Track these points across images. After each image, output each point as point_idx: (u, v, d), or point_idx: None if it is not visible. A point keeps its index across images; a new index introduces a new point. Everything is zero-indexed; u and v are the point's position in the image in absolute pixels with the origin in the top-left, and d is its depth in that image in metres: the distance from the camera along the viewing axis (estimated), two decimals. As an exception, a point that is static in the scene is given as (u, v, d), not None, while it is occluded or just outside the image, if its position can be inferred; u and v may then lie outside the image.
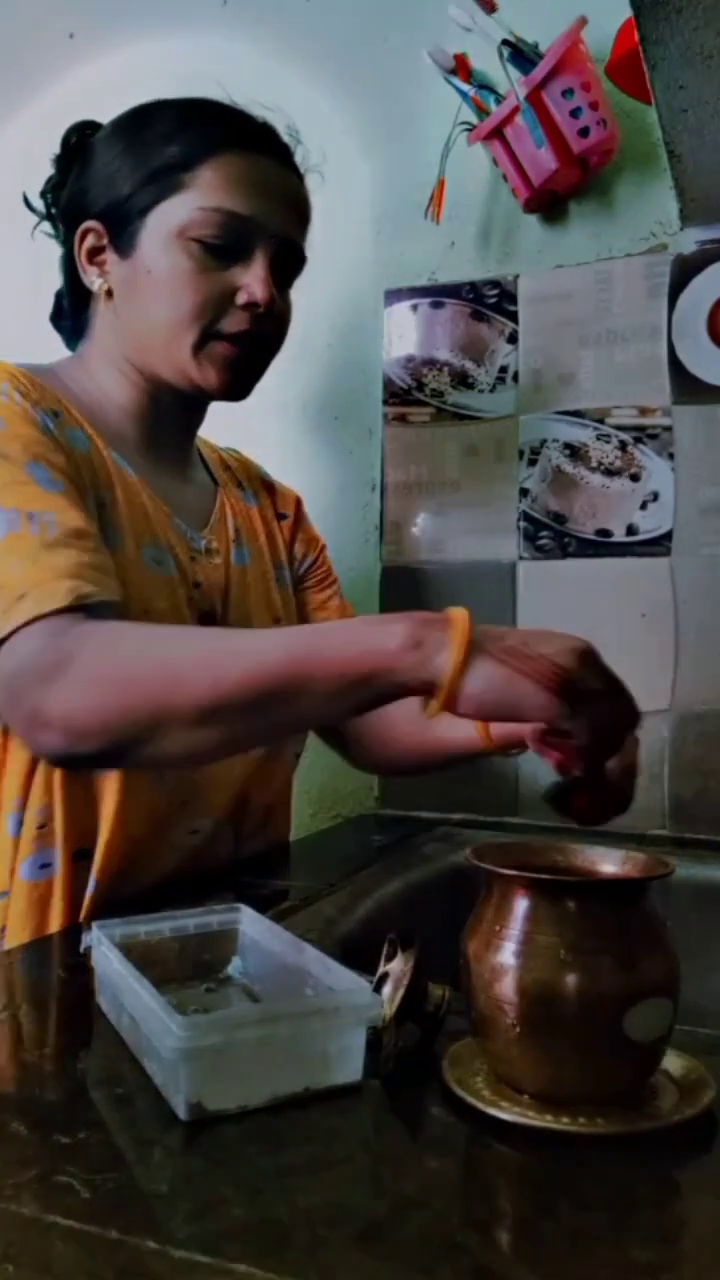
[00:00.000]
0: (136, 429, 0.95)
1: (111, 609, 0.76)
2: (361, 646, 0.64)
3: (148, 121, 0.91)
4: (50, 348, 1.01)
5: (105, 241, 0.92)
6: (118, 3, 1.53)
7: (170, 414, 0.96)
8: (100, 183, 0.92)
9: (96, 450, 0.88)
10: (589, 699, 0.61)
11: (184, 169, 0.88)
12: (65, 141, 0.98)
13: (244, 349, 0.91)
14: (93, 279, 0.93)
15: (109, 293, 0.93)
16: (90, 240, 0.92)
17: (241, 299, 0.89)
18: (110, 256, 0.92)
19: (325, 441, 1.41)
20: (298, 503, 1.16)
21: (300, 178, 0.95)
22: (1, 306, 1.53)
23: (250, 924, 0.68)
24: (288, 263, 0.93)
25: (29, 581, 0.72)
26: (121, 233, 0.90)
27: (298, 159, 0.95)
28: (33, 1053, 0.57)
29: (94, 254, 0.93)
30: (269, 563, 1.06)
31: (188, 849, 0.91)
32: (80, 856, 0.85)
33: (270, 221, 0.89)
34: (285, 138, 0.94)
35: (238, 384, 0.93)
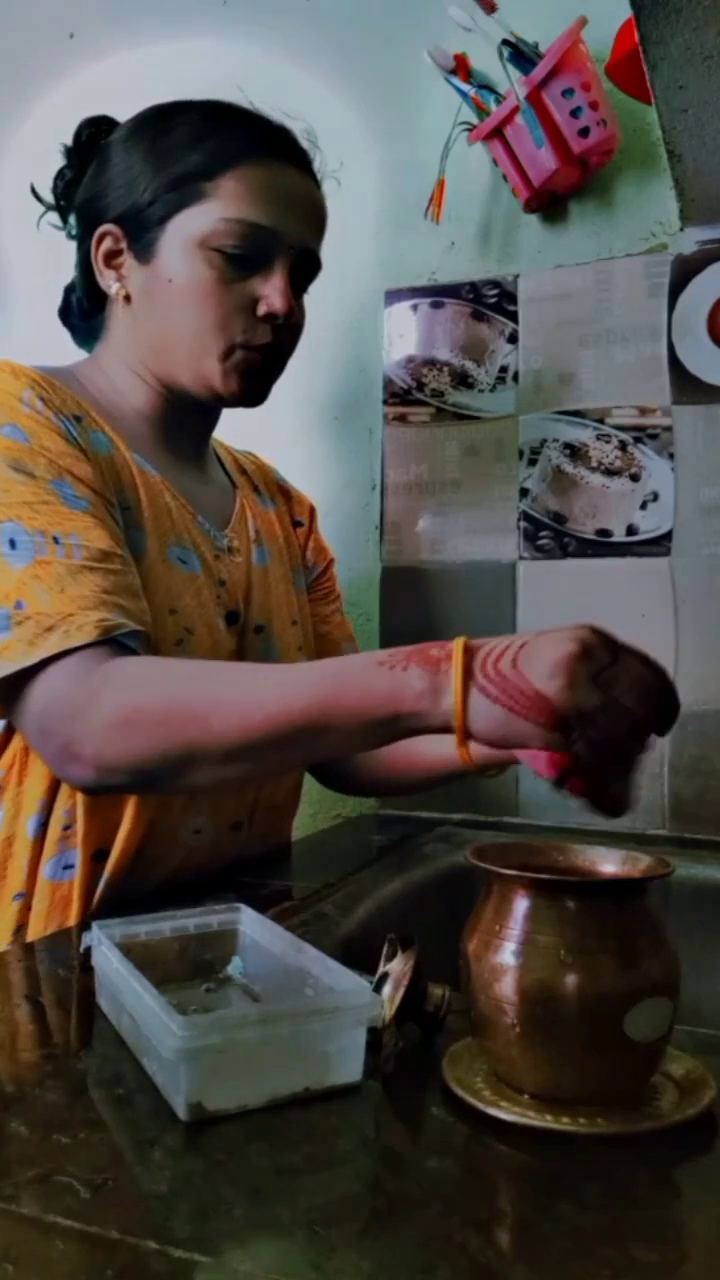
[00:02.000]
0: (154, 431, 0.95)
1: (139, 638, 0.77)
2: (383, 692, 0.65)
3: (168, 126, 0.91)
4: (61, 339, 1.01)
5: (123, 246, 0.92)
6: (118, 2, 1.53)
7: (186, 417, 0.97)
8: (119, 187, 0.92)
9: (119, 452, 0.88)
10: (586, 720, 0.59)
11: (206, 178, 0.88)
12: (78, 136, 0.97)
13: (265, 357, 0.92)
14: (110, 283, 0.93)
15: (127, 297, 0.93)
16: (108, 244, 0.92)
17: (262, 310, 0.90)
18: (129, 262, 0.92)
19: (325, 441, 1.41)
20: (312, 511, 1.17)
21: (318, 184, 0.95)
22: (12, 302, 1.53)
23: (250, 924, 0.68)
24: (305, 270, 0.94)
25: (56, 612, 0.73)
26: (140, 238, 0.90)
27: (315, 165, 0.95)
28: (33, 1053, 0.57)
29: (111, 258, 0.93)
30: (288, 566, 1.07)
31: (191, 848, 0.91)
32: (99, 857, 0.85)
33: (290, 232, 0.90)
34: (304, 144, 0.94)
35: (257, 391, 0.94)
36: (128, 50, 1.51)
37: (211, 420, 1.02)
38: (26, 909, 0.85)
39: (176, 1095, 0.48)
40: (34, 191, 1.00)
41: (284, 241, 0.90)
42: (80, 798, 0.84)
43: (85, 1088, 0.53)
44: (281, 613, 1.02)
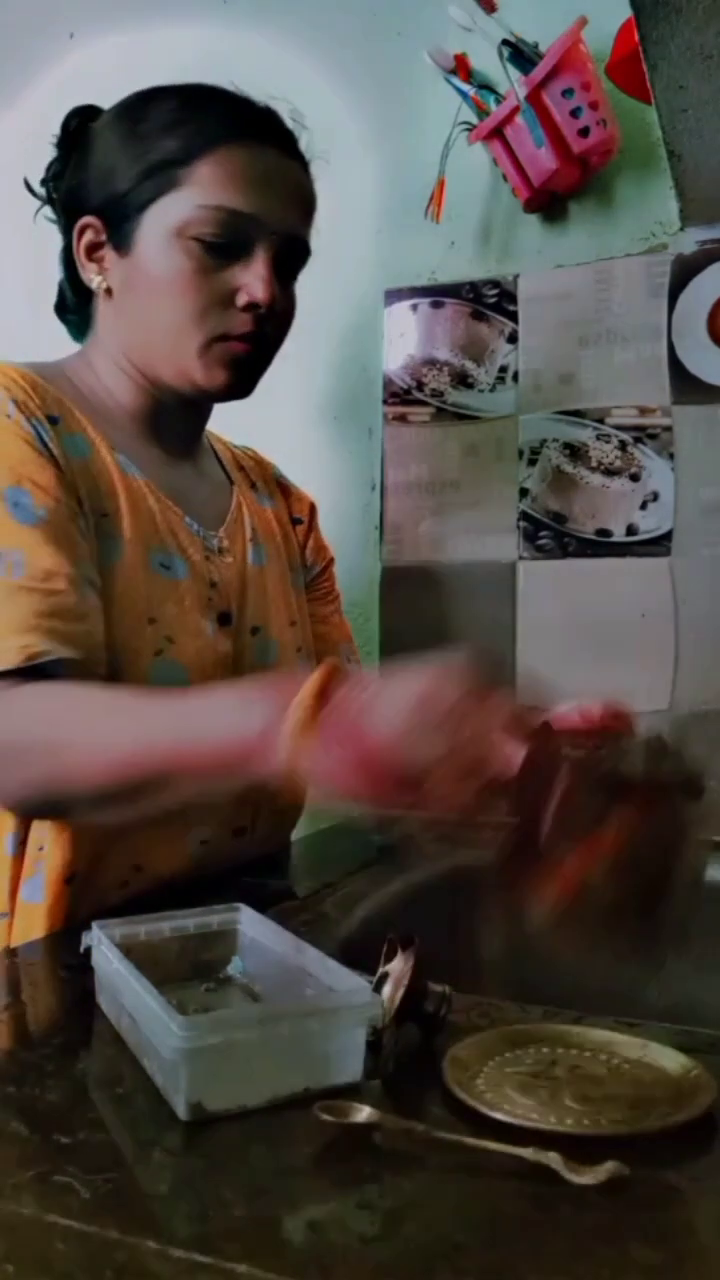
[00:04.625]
0: (143, 428, 0.93)
1: (70, 664, 0.75)
2: (225, 736, 0.63)
3: (146, 112, 0.89)
4: (47, 335, 1.01)
5: (104, 238, 0.90)
6: (118, 1, 1.53)
7: (174, 413, 0.95)
8: (98, 176, 0.90)
9: (98, 456, 0.86)
10: (424, 776, 0.53)
11: (182, 164, 0.85)
12: (65, 126, 0.95)
13: (248, 348, 0.89)
14: (92, 276, 0.91)
15: (108, 291, 0.91)
16: (89, 236, 0.90)
17: (242, 300, 0.87)
18: (109, 254, 0.90)
19: (325, 441, 1.41)
20: (312, 509, 1.15)
21: (304, 166, 0.92)
22: (4, 298, 1.53)
23: (250, 924, 0.68)
24: (290, 257, 0.91)
25: None
26: (119, 229, 0.88)
27: (302, 145, 0.92)
28: (33, 1053, 0.57)
29: (92, 250, 0.91)
30: (285, 565, 1.05)
31: (197, 856, 0.90)
32: (71, 880, 0.83)
33: (271, 217, 0.87)
34: (289, 124, 0.91)
35: (242, 383, 0.91)
36: (126, 47, 1.51)
37: (203, 415, 1.00)
38: (9, 928, 0.83)
39: (176, 1095, 0.48)
40: (28, 185, 0.98)
41: (265, 227, 0.86)
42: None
43: (85, 1088, 0.53)
44: (279, 613, 1.01)
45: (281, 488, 1.13)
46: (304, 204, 0.92)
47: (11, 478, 0.78)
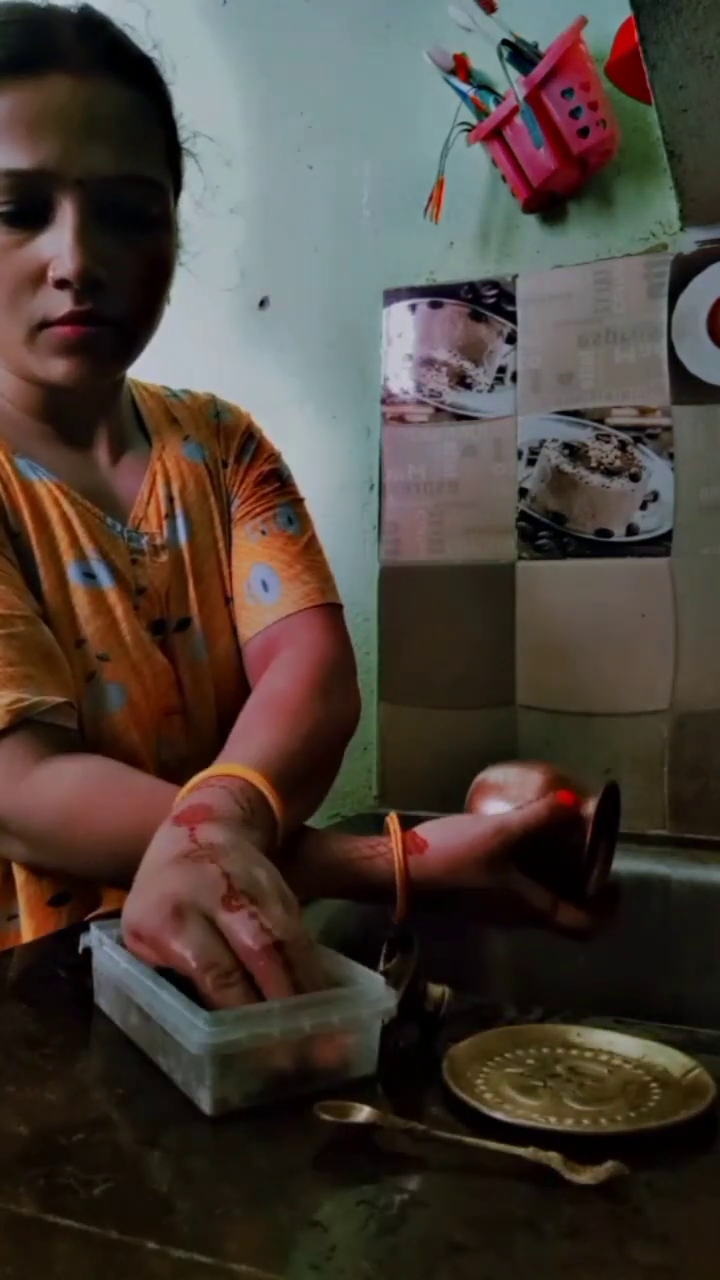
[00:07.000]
0: (41, 424, 0.84)
1: (58, 710, 0.73)
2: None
3: None
4: None
5: None
6: (116, 2, 1.53)
7: (65, 400, 0.84)
8: None
9: (2, 469, 0.79)
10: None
11: None
12: None
13: (79, 331, 0.75)
14: None
15: None
16: None
17: (51, 277, 0.73)
18: None
19: (323, 441, 1.41)
20: (245, 436, 0.98)
21: (131, 78, 0.77)
22: None
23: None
24: (124, 201, 0.75)
25: None
26: None
27: (143, 45, 0.80)
28: (33, 1053, 0.57)
29: None
30: (218, 523, 0.93)
31: None
32: (57, 901, 0.80)
33: (69, 164, 0.71)
34: (105, 32, 0.78)
35: (86, 371, 0.78)
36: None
37: (102, 397, 0.87)
38: None
39: (200, 1090, 0.48)
40: None
41: (64, 178, 0.71)
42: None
43: (85, 1088, 0.53)
44: (212, 592, 0.90)
45: (219, 431, 0.97)
46: (119, 131, 0.74)
47: None
